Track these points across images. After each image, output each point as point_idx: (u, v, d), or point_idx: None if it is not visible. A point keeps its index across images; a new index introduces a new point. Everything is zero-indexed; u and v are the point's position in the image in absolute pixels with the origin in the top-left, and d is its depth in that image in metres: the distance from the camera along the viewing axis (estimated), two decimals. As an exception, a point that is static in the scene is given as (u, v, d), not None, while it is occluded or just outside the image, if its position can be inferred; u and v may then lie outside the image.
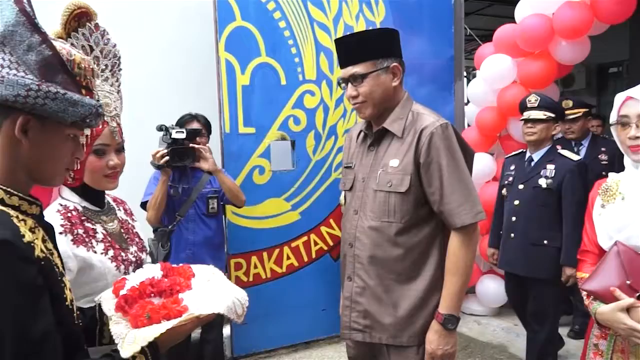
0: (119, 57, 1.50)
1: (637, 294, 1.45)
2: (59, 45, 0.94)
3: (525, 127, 2.93)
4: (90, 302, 1.28)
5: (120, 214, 1.56)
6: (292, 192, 3.61)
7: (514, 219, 2.94)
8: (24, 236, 0.88)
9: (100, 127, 1.38)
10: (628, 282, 1.46)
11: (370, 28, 3.68)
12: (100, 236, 1.40)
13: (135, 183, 2.58)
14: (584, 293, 1.60)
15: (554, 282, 2.79)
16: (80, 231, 1.37)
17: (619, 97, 1.57)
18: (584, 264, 1.68)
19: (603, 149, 3.66)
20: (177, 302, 1.08)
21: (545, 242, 2.82)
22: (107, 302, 1.14)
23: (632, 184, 1.55)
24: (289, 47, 3.53)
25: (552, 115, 2.86)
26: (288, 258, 3.62)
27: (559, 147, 2.96)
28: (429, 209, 1.70)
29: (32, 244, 0.90)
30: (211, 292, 1.17)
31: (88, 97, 0.97)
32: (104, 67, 1.46)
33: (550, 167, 2.83)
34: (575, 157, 2.86)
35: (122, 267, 1.40)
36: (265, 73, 3.45)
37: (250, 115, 3.43)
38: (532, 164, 2.94)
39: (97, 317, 1.22)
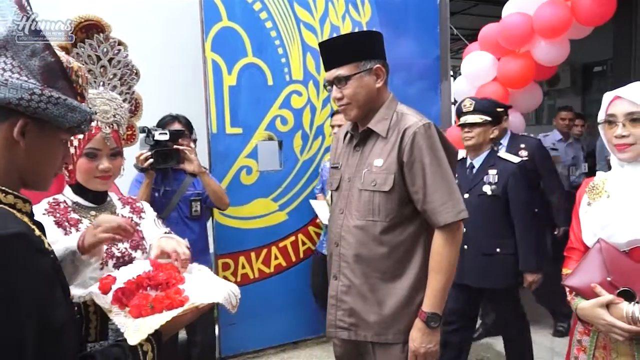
0: (132, 67, 1.61)
1: (617, 291, 1.47)
2: (58, 52, 0.97)
3: (462, 132, 2.86)
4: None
5: (124, 211, 1.60)
6: (280, 192, 3.61)
7: (464, 230, 2.85)
8: (34, 230, 0.90)
9: (93, 131, 1.44)
10: (609, 278, 1.48)
11: (357, 28, 3.70)
12: (83, 227, 1.44)
13: (122, 185, 2.56)
14: (566, 289, 1.62)
15: (512, 290, 2.74)
16: (63, 218, 1.44)
17: (607, 97, 1.58)
18: (570, 260, 1.69)
19: (522, 145, 3.59)
20: (179, 293, 1.14)
21: (498, 250, 2.73)
22: (99, 296, 1.18)
23: (617, 182, 1.57)
24: (276, 47, 3.52)
25: (488, 118, 2.79)
26: (276, 258, 3.62)
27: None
28: (413, 207, 1.72)
29: (41, 238, 0.92)
30: (205, 284, 1.24)
31: (83, 104, 1.00)
32: (111, 76, 1.56)
33: (492, 172, 2.75)
34: (515, 159, 2.81)
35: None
36: (252, 73, 3.45)
37: (237, 115, 3.42)
38: (474, 170, 2.85)
39: (82, 315, 1.23)
